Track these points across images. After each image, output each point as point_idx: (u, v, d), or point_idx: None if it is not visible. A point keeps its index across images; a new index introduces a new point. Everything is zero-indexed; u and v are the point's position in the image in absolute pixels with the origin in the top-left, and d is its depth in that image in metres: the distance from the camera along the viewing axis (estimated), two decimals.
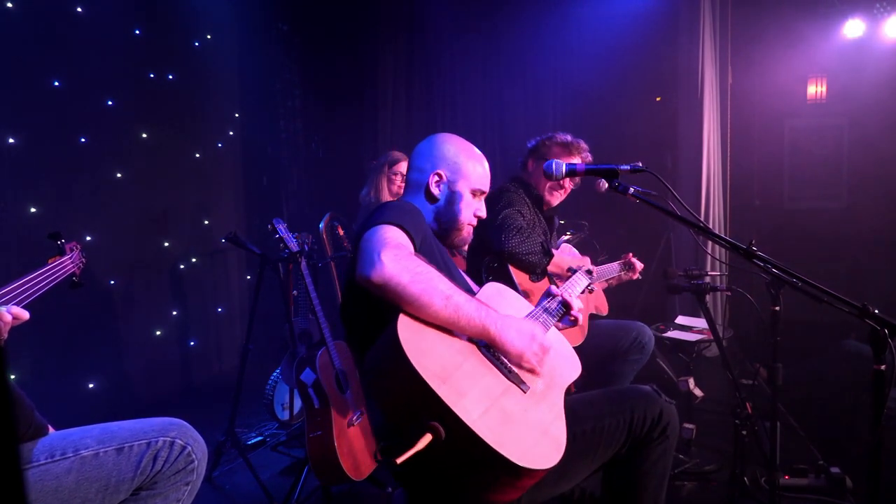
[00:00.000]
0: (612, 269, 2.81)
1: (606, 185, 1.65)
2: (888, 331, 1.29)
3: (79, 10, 3.48)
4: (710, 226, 3.77)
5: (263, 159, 5.03)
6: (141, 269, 3.92)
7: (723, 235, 1.58)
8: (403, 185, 3.40)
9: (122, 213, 3.72)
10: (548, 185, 2.64)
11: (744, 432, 2.31)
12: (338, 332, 2.63)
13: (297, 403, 3.34)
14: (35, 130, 3.22)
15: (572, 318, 1.70)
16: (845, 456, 2.67)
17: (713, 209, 4.57)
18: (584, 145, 2.65)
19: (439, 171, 1.69)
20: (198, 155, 4.41)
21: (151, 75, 4.01)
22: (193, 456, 1.48)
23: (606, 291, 2.97)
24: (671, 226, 4.53)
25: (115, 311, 3.77)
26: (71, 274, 1.64)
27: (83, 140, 3.51)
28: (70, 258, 1.65)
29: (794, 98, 4.87)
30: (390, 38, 5.36)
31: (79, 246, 1.73)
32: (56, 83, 3.34)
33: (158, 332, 4.03)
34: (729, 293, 2.95)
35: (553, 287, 1.74)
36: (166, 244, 4.11)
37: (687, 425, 2.77)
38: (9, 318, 1.23)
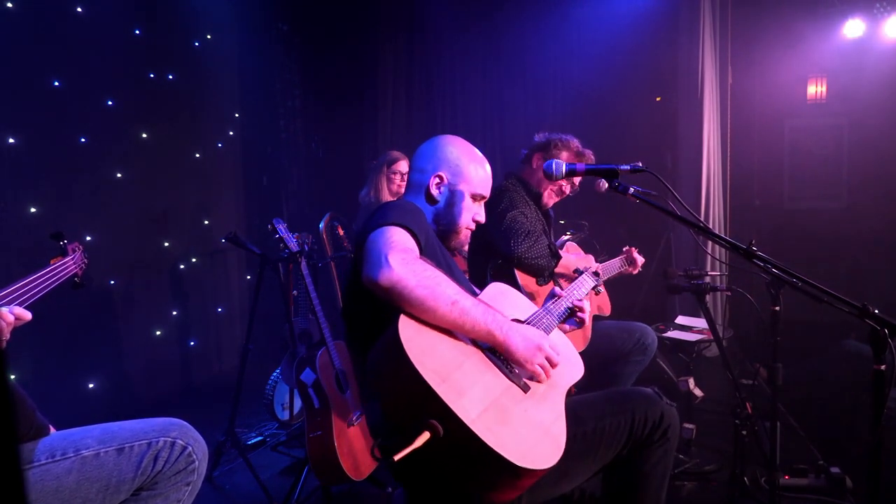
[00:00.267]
0: (614, 265, 2.80)
1: (606, 185, 1.65)
2: (888, 331, 1.29)
3: (79, 10, 3.48)
4: (710, 226, 3.78)
5: (263, 159, 5.03)
6: (141, 269, 3.92)
7: (723, 235, 1.58)
8: (403, 185, 3.45)
9: (122, 213, 3.72)
10: (549, 187, 2.64)
11: (744, 432, 2.31)
12: (338, 332, 2.63)
13: (297, 403, 3.33)
14: (35, 130, 3.22)
15: (577, 320, 1.70)
16: (845, 456, 2.67)
17: (713, 209, 4.57)
18: (591, 157, 2.64)
19: (440, 173, 1.69)
20: (198, 155, 4.41)
21: (151, 75, 4.01)
22: (194, 456, 1.48)
23: (607, 289, 2.97)
24: (671, 226, 4.53)
25: (115, 311, 3.77)
26: (73, 275, 1.64)
27: (83, 140, 3.51)
28: (72, 259, 1.65)
29: (794, 98, 4.87)
30: (390, 38, 5.36)
31: (81, 247, 1.73)
32: (56, 83, 3.34)
33: (158, 332, 4.03)
34: (729, 293, 2.95)
35: (557, 289, 1.74)
36: (166, 244, 4.11)
37: (687, 425, 2.77)
38: (11, 318, 1.23)
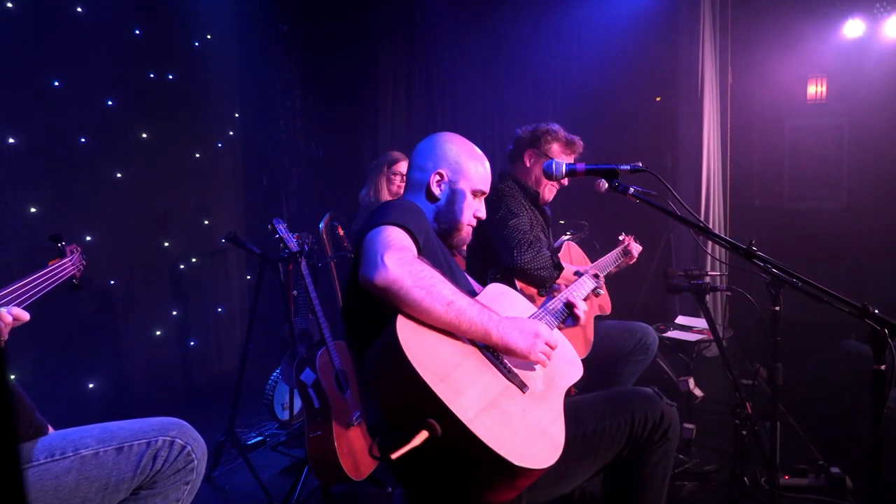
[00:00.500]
0: (610, 259, 2.78)
1: (606, 185, 1.65)
2: (888, 331, 1.29)
3: (79, 10, 3.48)
4: (710, 226, 3.78)
5: (263, 159, 5.03)
6: (141, 269, 3.92)
7: (723, 235, 1.58)
8: (402, 185, 3.44)
9: (122, 213, 3.72)
10: (547, 184, 2.62)
11: (744, 432, 2.31)
12: (338, 332, 2.63)
13: (297, 403, 3.33)
14: (35, 130, 3.22)
15: (574, 317, 1.70)
16: (845, 456, 2.67)
17: (713, 209, 4.57)
18: (580, 143, 2.61)
19: (441, 171, 1.69)
20: (198, 155, 4.41)
21: (151, 75, 4.01)
22: (193, 455, 1.49)
23: (608, 289, 2.96)
24: (671, 226, 4.53)
25: (115, 311, 3.77)
26: (71, 276, 1.64)
27: (83, 140, 3.51)
28: (70, 260, 1.65)
29: (794, 98, 4.87)
30: (390, 37, 5.36)
31: (79, 248, 1.73)
32: (56, 83, 3.34)
33: (158, 332, 4.03)
34: (729, 293, 2.94)
35: (562, 284, 1.74)
36: (166, 244, 4.11)
37: (687, 425, 2.77)
38: (9, 318, 1.23)
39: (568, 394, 1.51)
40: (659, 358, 3.44)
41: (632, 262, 2.83)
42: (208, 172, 4.51)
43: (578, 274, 2.01)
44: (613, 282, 2.92)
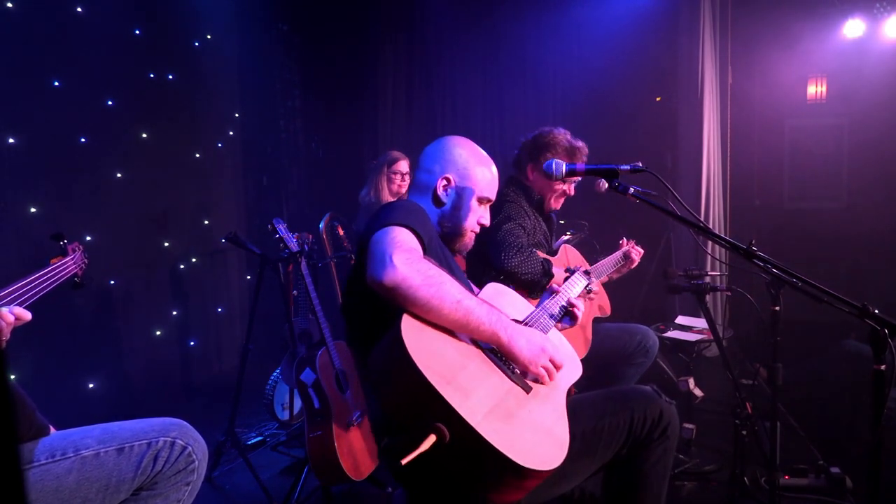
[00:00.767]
0: (610, 262, 2.77)
1: (606, 185, 1.65)
2: (888, 331, 1.29)
3: (79, 10, 3.48)
4: (710, 226, 3.78)
5: (263, 159, 5.03)
6: (141, 269, 3.92)
7: (723, 235, 1.58)
8: (403, 184, 3.45)
9: (122, 213, 3.72)
10: (552, 196, 2.61)
11: (744, 432, 2.31)
12: (338, 332, 2.63)
13: (297, 403, 3.33)
14: (35, 130, 3.21)
15: (571, 317, 1.70)
16: (845, 456, 2.67)
17: (713, 209, 4.57)
18: (584, 150, 2.57)
19: (448, 176, 1.69)
20: (198, 155, 4.41)
21: (151, 75, 4.01)
22: (194, 456, 1.49)
23: (608, 290, 2.96)
24: (671, 226, 4.53)
25: (115, 311, 3.77)
26: (73, 275, 1.64)
27: (83, 140, 3.51)
28: (72, 259, 1.65)
29: (794, 98, 4.87)
30: (390, 38, 5.36)
31: (81, 247, 1.73)
32: (56, 83, 3.34)
33: (158, 332, 4.03)
34: (729, 293, 2.94)
35: (555, 285, 1.74)
36: (166, 244, 4.11)
37: (687, 425, 2.77)
38: (11, 318, 1.23)
39: (568, 393, 1.51)
40: (659, 358, 3.44)
41: (633, 267, 2.83)
42: (208, 172, 4.51)
43: (569, 271, 2.00)
44: (613, 282, 2.92)
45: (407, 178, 3.45)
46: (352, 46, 5.30)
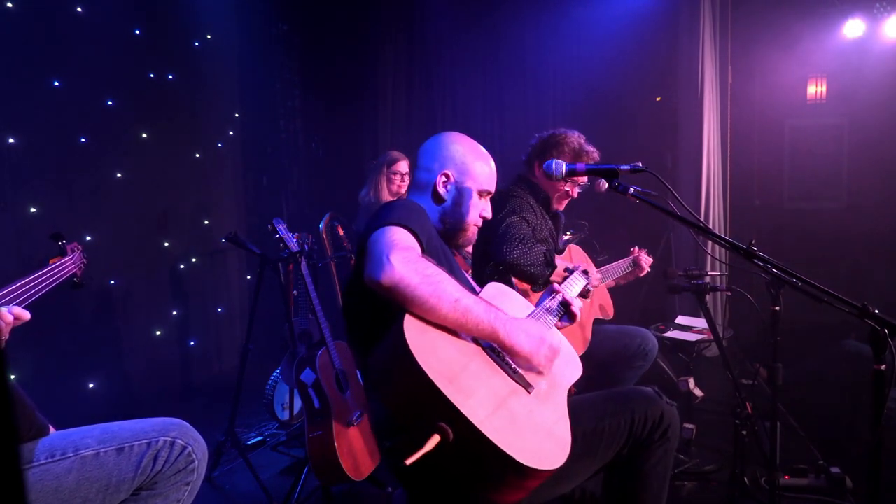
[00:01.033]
0: (619, 267, 2.79)
1: (606, 185, 1.65)
2: (888, 331, 1.29)
3: (79, 10, 3.48)
4: (710, 226, 3.78)
5: (263, 159, 5.03)
6: (141, 269, 3.92)
7: (723, 235, 1.58)
8: (402, 184, 3.45)
9: (122, 213, 3.72)
10: (555, 195, 2.61)
11: (744, 432, 2.31)
12: (338, 332, 2.63)
13: (297, 403, 3.33)
14: (35, 130, 3.22)
15: (570, 315, 1.69)
16: (845, 456, 2.67)
17: (713, 209, 4.57)
18: (593, 154, 2.55)
19: (447, 172, 1.69)
20: (198, 155, 4.41)
21: (151, 75, 4.01)
22: (194, 456, 1.49)
23: (611, 292, 2.96)
24: (671, 226, 4.53)
25: (115, 311, 3.77)
26: (72, 275, 1.64)
27: (83, 140, 3.51)
28: (71, 259, 1.65)
29: (794, 98, 4.87)
30: (390, 37, 5.36)
31: (80, 247, 1.73)
32: (56, 83, 3.34)
33: (158, 332, 4.03)
34: (729, 293, 2.94)
35: (555, 284, 1.74)
36: (166, 244, 4.11)
37: (687, 425, 2.77)
38: (10, 318, 1.23)
39: (568, 393, 1.51)
40: (659, 358, 3.44)
41: (642, 275, 2.83)
42: (208, 172, 4.51)
43: (568, 270, 2.00)
44: (616, 286, 2.93)
45: (407, 178, 3.45)
46: (352, 46, 5.30)
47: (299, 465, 2.73)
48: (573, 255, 2.80)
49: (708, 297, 2.43)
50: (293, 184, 5.20)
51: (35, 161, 3.22)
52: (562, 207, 2.69)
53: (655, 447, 1.60)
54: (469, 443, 1.17)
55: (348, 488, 2.73)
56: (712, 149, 4.54)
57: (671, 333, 3.35)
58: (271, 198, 5.07)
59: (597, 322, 2.76)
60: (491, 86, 5.28)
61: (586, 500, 2.13)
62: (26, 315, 1.27)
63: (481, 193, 1.73)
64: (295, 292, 3.32)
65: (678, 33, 4.62)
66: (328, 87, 5.30)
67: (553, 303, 1.68)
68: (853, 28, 4.42)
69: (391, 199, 3.42)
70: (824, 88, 4.83)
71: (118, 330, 3.79)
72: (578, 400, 1.65)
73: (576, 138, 2.56)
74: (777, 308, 2.06)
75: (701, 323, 3.44)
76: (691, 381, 2.98)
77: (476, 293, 1.52)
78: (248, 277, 4.86)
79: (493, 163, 1.77)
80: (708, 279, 2.76)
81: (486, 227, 1.80)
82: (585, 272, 2.02)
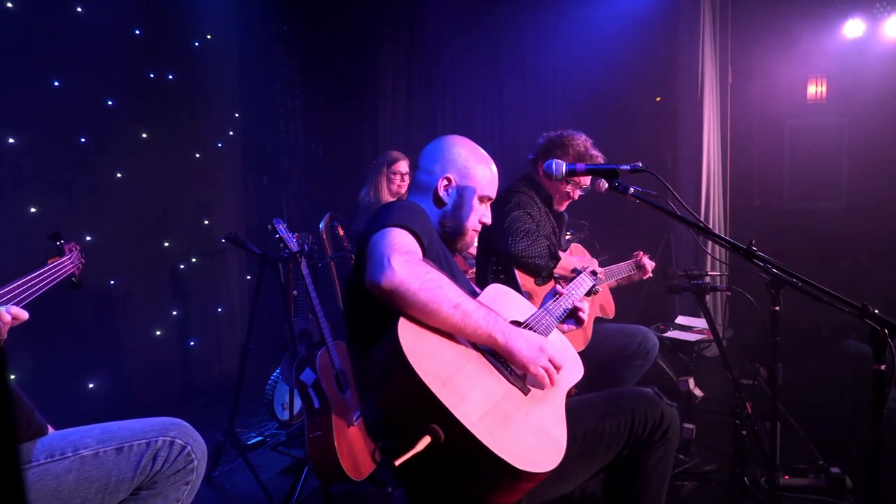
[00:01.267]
0: (622, 268, 2.80)
1: (606, 185, 1.65)
2: (888, 331, 1.29)
3: (79, 10, 3.48)
4: (710, 226, 3.77)
5: (263, 159, 5.03)
6: (141, 269, 3.92)
7: (723, 235, 1.58)
8: (402, 184, 3.44)
9: (122, 213, 3.72)
10: (556, 196, 2.63)
11: (744, 432, 2.31)
12: (338, 332, 2.63)
13: (297, 403, 3.33)
14: (35, 130, 3.22)
15: (577, 320, 1.69)
16: (845, 456, 2.67)
17: (713, 209, 4.57)
18: (598, 159, 2.55)
19: (448, 176, 1.68)
20: (198, 155, 4.41)
21: (151, 75, 4.01)
22: (193, 456, 1.48)
23: (612, 291, 2.96)
24: (671, 226, 4.53)
25: (115, 311, 3.77)
26: (70, 274, 1.64)
27: (83, 140, 3.51)
28: (69, 258, 1.65)
29: (794, 98, 4.87)
30: (390, 37, 5.36)
31: (78, 246, 1.73)
32: (56, 83, 3.34)
33: (158, 332, 4.03)
34: (729, 293, 2.95)
35: (558, 287, 1.73)
36: (166, 244, 4.11)
37: (687, 425, 2.77)
38: (8, 318, 1.23)
39: (568, 394, 1.51)
40: (659, 358, 3.44)
41: (645, 277, 2.84)
42: (208, 172, 4.51)
43: (576, 271, 2.01)
44: (617, 286, 2.93)
45: (406, 178, 3.45)
46: (352, 46, 5.30)
47: (299, 465, 2.73)
48: (574, 253, 2.81)
49: (708, 297, 2.43)
50: (293, 184, 5.20)
51: (35, 161, 3.22)
52: (562, 208, 2.70)
53: (655, 448, 1.60)
54: (462, 445, 1.17)
55: (348, 488, 2.73)
56: (712, 149, 4.54)
57: (671, 333, 3.35)
58: (271, 198, 5.07)
59: (597, 321, 2.76)
60: (491, 86, 5.28)
61: (586, 501, 2.13)
62: (24, 315, 1.27)
63: (482, 199, 1.72)
64: (295, 292, 3.32)
65: (678, 33, 4.62)
66: (328, 87, 5.30)
67: (557, 306, 1.68)
68: (853, 28, 4.42)
69: (391, 199, 3.42)
70: (824, 88, 4.83)
71: (118, 330, 3.79)
72: (578, 400, 1.65)
73: (582, 141, 2.58)
74: (777, 308, 2.06)
75: (701, 323, 3.43)
76: (691, 381, 2.98)
77: (476, 296, 1.51)
78: (248, 277, 4.86)
79: (494, 168, 1.76)
80: (708, 279, 2.77)
81: (489, 225, 1.80)
82: (594, 273, 2.03)
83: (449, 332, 1.33)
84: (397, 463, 1.14)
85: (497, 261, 2.41)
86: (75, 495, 1.35)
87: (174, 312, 4.17)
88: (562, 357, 1.44)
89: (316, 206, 4.92)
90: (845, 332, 3.65)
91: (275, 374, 3.38)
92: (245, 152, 4.92)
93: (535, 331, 1.49)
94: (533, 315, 1.62)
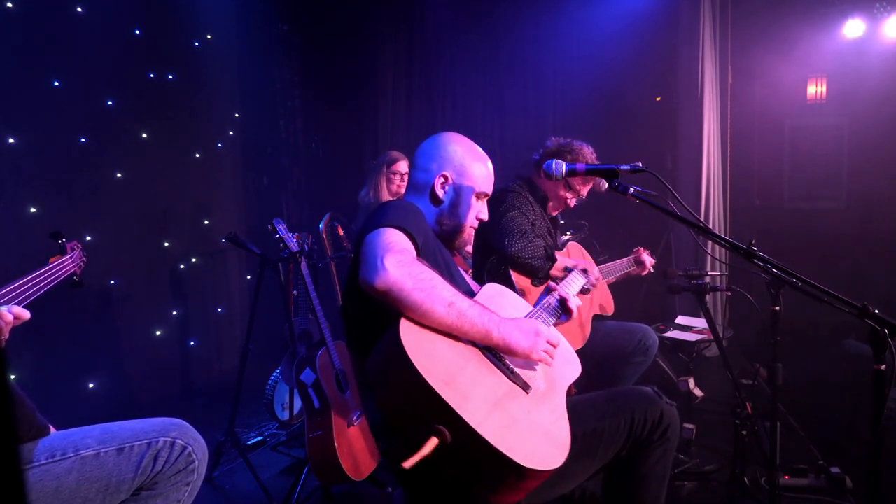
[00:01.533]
0: (621, 265, 2.81)
1: (606, 185, 1.65)
2: (888, 331, 1.29)
3: (79, 10, 3.48)
4: (710, 226, 3.78)
5: (263, 159, 5.03)
6: (141, 269, 3.92)
7: (723, 235, 1.58)
8: (402, 184, 3.44)
9: (122, 213, 3.72)
10: (553, 200, 2.64)
11: (744, 432, 2.31)
12: (338, 332, 2.63)
13: (297, 403, 3.33)
14: (35, 130, 3.22)
15: (567, 311, 1.69)
16: (845, 456, 2.67)
17: (713, 209, 4.57)
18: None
19: (445, 173, 1.68)
20: (198, 155, 4.41)
21: (151, 75, 4.01)
22: (194, 456, 1.48)
23: (611, 289, 2.97)
24: (671, 226, 4.53)
25: (116, 311, 3.77)
26: (72, 273, 1.64)
27: (83, 140, 3.51)
28: (71, 258, 1.65)
29: (794, 98, 4.87)
30: (390, 37, 5.36)
31: (79, 245, 1.73)
32: (56, 83, 3.34)
33: (158, 332, 4.03)
34: (729, 293, 2.95)
35: (552, 284, 1.74)
36: (166, 244, 4.11)
37: (687, 425, 2.77)
38: (10, 317, 1.23)
39: (568, 393, 1.51)
40: (659, 358, 3.44)
41: (644, 273, 2.85)
42: (208, 172, 4.51)
43: (567, 270, 2.01)
44: (616, 282, 2.93)
45: (406, 178, 3.45)
46: (352, 46, 5.30)
47: (299, 465, 2.73)
48: (571, 253, 2.81)
49: (708, 297, 2.43)
50: (293, 184, 5.20)
51: (35, 161, 3.22)
52: (556, 213, 2.71)
53: (655, 447, 1.60)
54: (467, 445, 1.17)
55: (348, 488, 2.73)
56: (712, 149, 4.54)
57: (671, 333, 3.35)
58: (271, 198, 5.07)
59: (597, 318, 2.76)
60: (491, 86, 5.28)
61: (586, 500, 2.13)
62: (26, 314, 1.27)
63: (479, 195, 1.72)
64: (295, 292, 3.32)
65: (678, 33, 4.62)
66: (328, 87, 5.30)
67: (551, 301, 1.68)
68: (853, 28, 4.42)
69: (391, 199, 3.42)
70: (824, 88, 4.83)
71: (118, 330, 3.79)
72: (578, 400, 1.65)
73: (589, 153, 2.61)
74: (777, 308, 2.06)
75: (701, 323, 3.44)
76: (691, 381, 2.98)
77: (473, 294, 1.51)
78: (248, 277, 4.86)
79: (490, 164, 1.76)
80: (708, 279, 2.77)
81: (486, 223, 1.80)
82: (584, 271, 2.03)
83: (448, 332, 1.33)
84: (406, 466, 1.13)
85: (494, 261, 2.41)
86: (76, 496, 1.36)
87: (174, 312, 4.17)
88: (559, 353, 1.45)
89: (316, 206, 4.92)
90: (845, 332, 3.65)
91: (275, 374, 3.38)
92: (245, 152, 4.92)
93: None
94: (530, 312, 1.62)
